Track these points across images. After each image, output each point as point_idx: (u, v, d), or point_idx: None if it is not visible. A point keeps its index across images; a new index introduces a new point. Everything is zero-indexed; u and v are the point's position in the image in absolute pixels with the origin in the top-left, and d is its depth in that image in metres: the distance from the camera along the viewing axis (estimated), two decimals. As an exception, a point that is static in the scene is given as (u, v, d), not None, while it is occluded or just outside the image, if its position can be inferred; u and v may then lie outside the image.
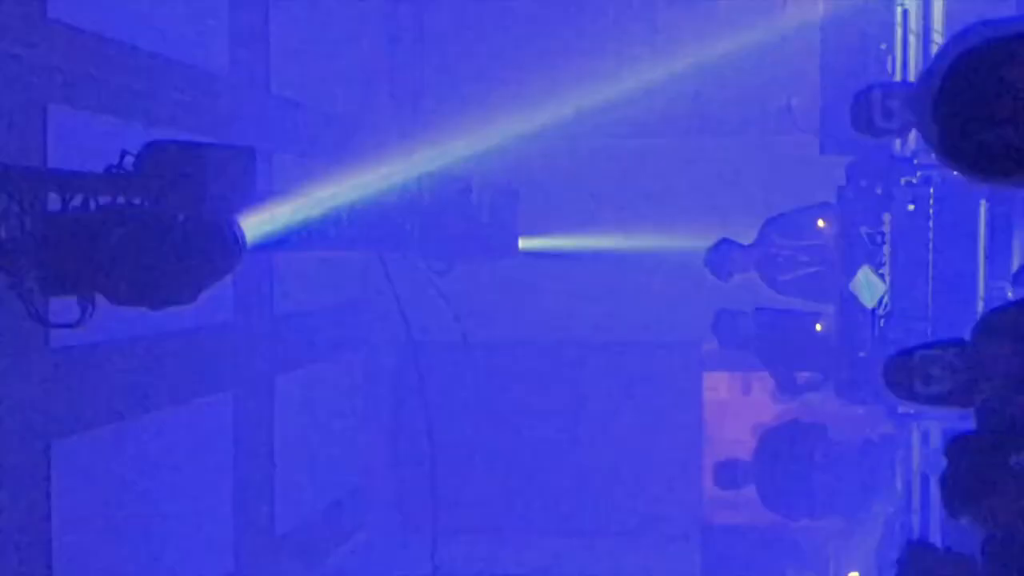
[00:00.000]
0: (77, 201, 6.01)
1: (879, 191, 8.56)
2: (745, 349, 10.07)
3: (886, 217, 8.53)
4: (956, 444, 4.98)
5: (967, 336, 5.84)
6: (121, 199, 6.08)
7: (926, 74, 2.55)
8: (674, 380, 13.80)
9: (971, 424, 6.42)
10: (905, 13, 8.77)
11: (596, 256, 12.65)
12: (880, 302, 8.37)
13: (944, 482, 4.92)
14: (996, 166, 2.28)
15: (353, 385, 13.99)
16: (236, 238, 6.00)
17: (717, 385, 14.43)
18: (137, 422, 9.39)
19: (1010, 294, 7.87)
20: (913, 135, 8.17)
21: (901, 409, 8.14)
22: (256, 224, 6.13)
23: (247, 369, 11.36)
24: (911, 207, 8.36)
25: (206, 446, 10.64)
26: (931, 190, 8.33)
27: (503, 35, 13.83)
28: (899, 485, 8.85)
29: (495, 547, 13.42)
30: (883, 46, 8.68)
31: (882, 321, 8.34)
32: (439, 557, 11.69)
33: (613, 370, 14.05)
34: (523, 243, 11.86)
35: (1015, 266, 8.04)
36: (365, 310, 13.51)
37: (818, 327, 9.42)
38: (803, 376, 9.78)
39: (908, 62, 8.84)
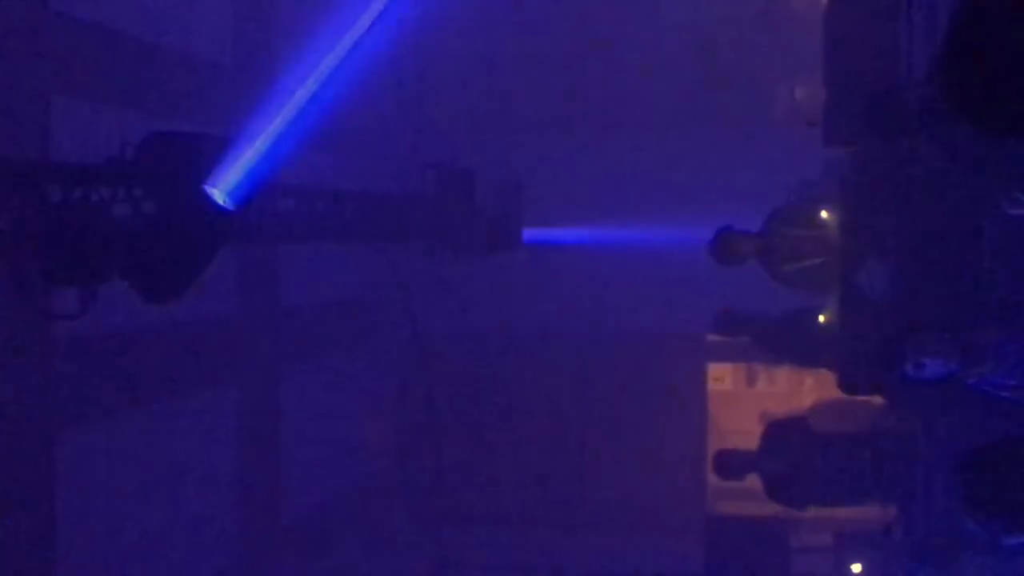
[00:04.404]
0: (78, 193, 6.02)
1: (883, 182, 8.51)
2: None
3: (891, 208, 8.48)
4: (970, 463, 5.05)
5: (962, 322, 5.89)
6: (122, 190, 6.09)
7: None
8: (678, 371, 13.78)
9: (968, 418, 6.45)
10: (911, 3, 8.70)
11: (600, 248, 12.64)
12: (883, 294, 8.33)
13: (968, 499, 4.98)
14: (1007, 118, 2.20)
15: (358, 377, 14.00)
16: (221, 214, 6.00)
17: (722, 376, 14.42)
18: (141, 414, 9.41)
19: None
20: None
21: (906, 401, 8.11)
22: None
23: (252, 361, 11.37)
24: (916, 197, 8.31)
25: (211, 438, 10.66)
26: (935, 180, 8.27)
27: (508, 28, 13.81)
28: (903, 476, 8.82)
29: (499, 539, 13.42)
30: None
31: (886, 313, 8.30)
32: (444, 548, 11.70)
33: (617, 361, 14.04)
34: (527, 235, 11.86)
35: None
36: (370, 303, 13.51)
37: (821, 318, 9.38)
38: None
39: (913, 54, 8.78)
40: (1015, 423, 6.52)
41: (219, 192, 5.97)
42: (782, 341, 10.03)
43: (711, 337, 12.34)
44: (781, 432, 10.02)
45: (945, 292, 7.87)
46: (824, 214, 9.47)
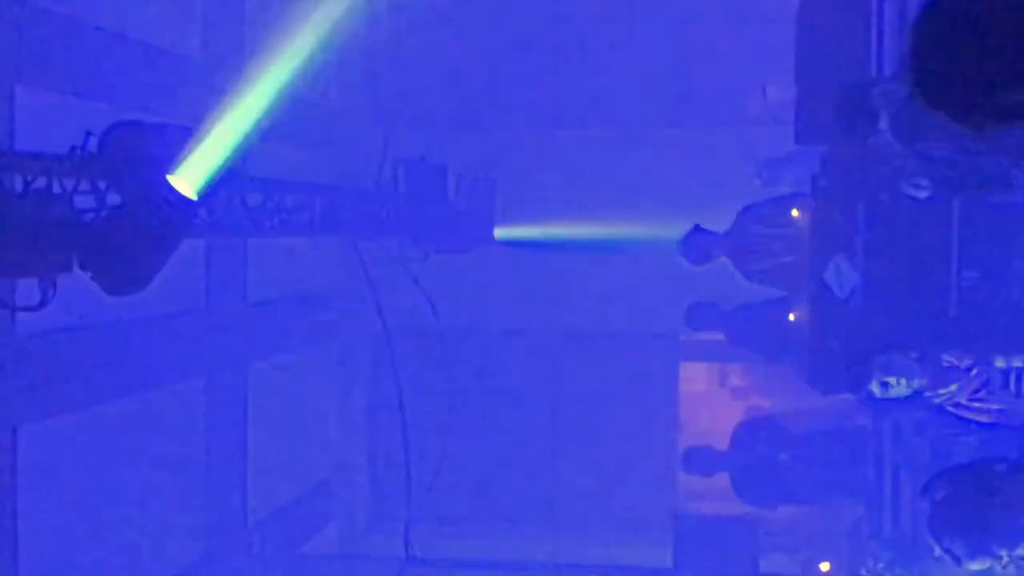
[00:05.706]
0: (40, 183, 5.92)
1: (854, 181, 8.51)
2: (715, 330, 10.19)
3: (860, 207, 8.49)
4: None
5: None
6: (85, 181, 6.01)
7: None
8: (651, 370, 13.77)
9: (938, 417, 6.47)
10: (882, 1, 8.71)
11: (573, 245, 12.61)
12: (853, 292, 8.33)
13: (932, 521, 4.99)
14: (978, 109, 2.18)
15: (327, 373, 13.92)
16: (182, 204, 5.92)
17: (694, 376, 14.42)
18: (107, 408, 9.31)
19: None
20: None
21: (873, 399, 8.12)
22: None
23: (220, 356, 11.28)
24: (885, 197, 8.32)
25: (178, 433, 10.57)
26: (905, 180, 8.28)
27: (483, 27, 13.76)
28: (871, 475, 8.84)
29: (468, 536, 13.39)
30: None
31: (855, 311, 8.30)
32: (412, 545, 11.64)
33: (589, 360, 14.01)
34: (499, 232, 11.81)
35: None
36: (340, 298, 13.43)
37: (791, 317, 9.39)
38: None
39: (884, 51, 8.78)
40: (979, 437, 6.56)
41: (184, 183, 5.90)
42: (754, 336, 10.04)
43: (684, 336, 12.35)
44: (750, 433, 10.04)
45: (912, 306, 7.88)
46: (794, 212, 9.48)
